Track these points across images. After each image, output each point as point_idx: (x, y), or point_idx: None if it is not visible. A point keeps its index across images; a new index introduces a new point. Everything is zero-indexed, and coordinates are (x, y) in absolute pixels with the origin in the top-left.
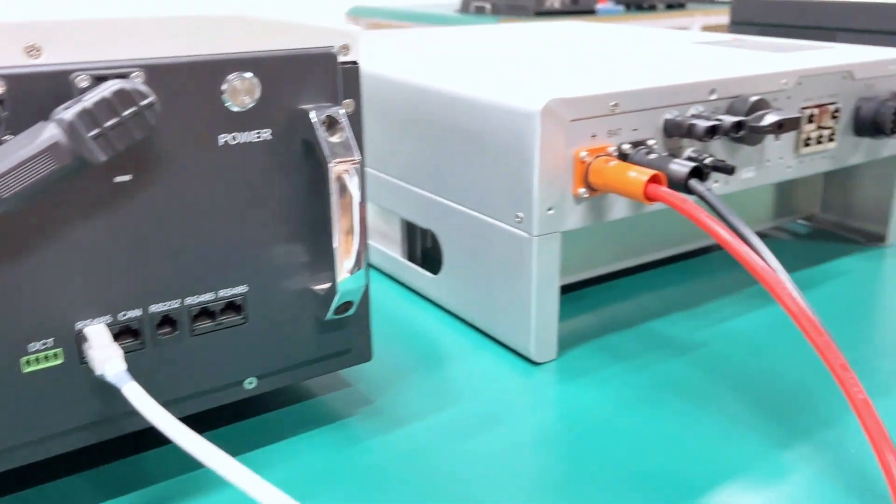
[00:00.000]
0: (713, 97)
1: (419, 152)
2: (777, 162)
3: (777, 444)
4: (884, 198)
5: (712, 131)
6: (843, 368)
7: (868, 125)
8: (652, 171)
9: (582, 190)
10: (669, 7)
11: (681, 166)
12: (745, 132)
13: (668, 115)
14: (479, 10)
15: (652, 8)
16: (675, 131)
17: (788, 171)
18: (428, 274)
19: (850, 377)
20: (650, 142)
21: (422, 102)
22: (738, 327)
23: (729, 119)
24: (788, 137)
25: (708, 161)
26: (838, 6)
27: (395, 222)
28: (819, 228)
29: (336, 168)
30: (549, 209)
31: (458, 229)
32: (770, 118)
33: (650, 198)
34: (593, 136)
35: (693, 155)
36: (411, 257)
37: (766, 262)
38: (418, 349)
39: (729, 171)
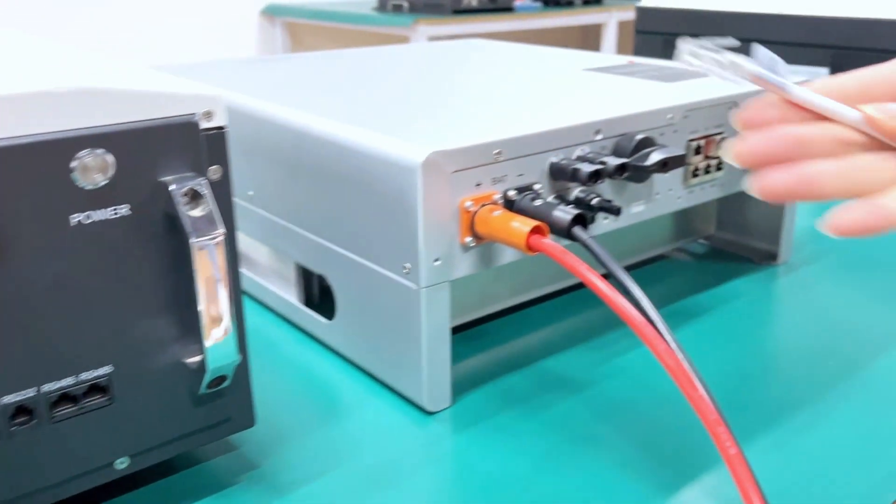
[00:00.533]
0: (599, 137)
1: (308, 196)
2: (667, 194)
3: (664, 489)
4: (775, 218)
5: (595, 176)
6: (717, 423)
7: None
8: (534, 223)
9: (469, 239)
10: (587, 3)
11: (564, 214)
12: (630, 173)
13: (554, 159)
14: (397, 9)
15: (569, 4)
16: (561, 175)
17: (679, 202)
18: (322, 319)
19: (722, 431)
20: (536, 186)
21: (308, 146)
22: (632, 362)
23: (613, 162)
24: (677, 170)
25: (595, 202)
26: (738, 17)
27: (291, 264)
28: (717, 248)
29: (198, 243)
30: (436, 260)
31: (348, 276)
32: (655, 157)
33: (532, 249)
34: (478, 184)
35: (581, 195)
36: (308, 300)
37: (644, 313)
38: (311, 400)
39: (615, 211)
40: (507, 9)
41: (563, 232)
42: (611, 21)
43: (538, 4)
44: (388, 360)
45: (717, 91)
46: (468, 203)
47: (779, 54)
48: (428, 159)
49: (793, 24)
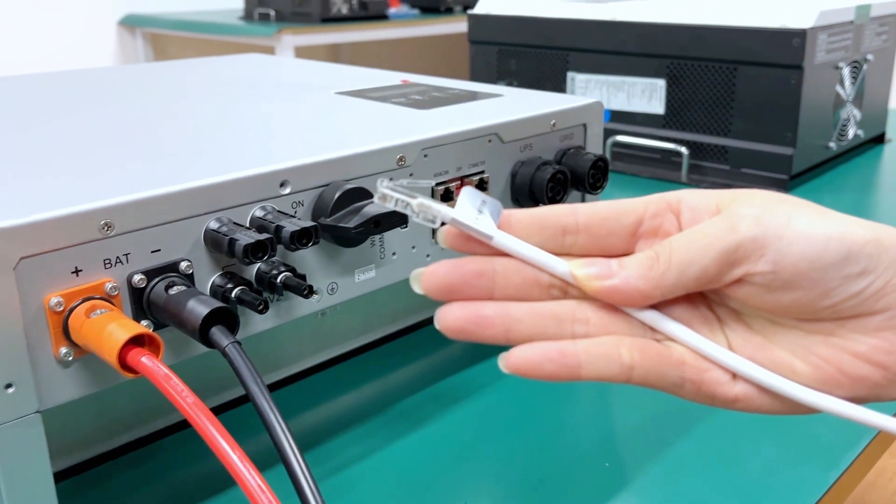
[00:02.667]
0: (286, 191)
1: None
2: (409, 254)
3: None
4: None
5: (257, 251)
6: None
7: (525, 193)
8: (138, 330)
9: (65, 350)
10: (467, 8)
11: (199, 308)
12: (317, 239)
13: (213, 225)
14: (264, 18)
15: (449, 11)
16: (218, 248)
17: (428, 261)
18: None
19: None
20: (183, 265)
21: None
22: (361, 473)
23: (291, 227)
24: (423, 225)
25: (280, 280)
26: (571, 24)
27: None
28: None
29: None
30: (7, 386)
31: None
32: (369, 213)
33: (128, 370)
34: (77, 271)
35: (264, 271)
36: None
37: (289, 460)
38: None
39: (304, 292)
40: (381, 16)
41: (197, 335)
42: None
43: (415, 12)
44: None
45: (474, 121)
46: (55, 300)
47: (615, 66)
48: None
49: (627, 31)
